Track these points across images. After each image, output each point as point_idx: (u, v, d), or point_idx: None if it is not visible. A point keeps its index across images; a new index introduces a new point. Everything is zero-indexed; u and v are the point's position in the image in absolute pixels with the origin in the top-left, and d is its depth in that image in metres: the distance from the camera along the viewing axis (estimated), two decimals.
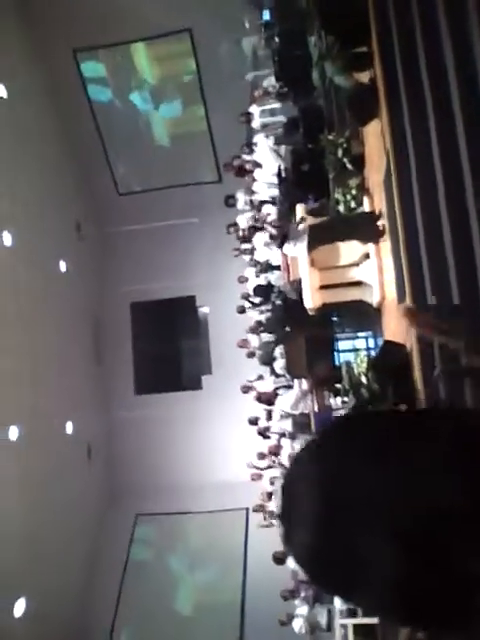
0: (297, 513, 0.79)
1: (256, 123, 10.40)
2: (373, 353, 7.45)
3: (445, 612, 0.74)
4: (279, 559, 8.88)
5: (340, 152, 7.16)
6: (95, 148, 14.20)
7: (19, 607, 10.37)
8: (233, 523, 12.81)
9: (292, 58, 8.78)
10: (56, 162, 13.41)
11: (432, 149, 5.25)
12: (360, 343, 9.15)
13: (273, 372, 10.14)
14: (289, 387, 9.46)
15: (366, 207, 7.03)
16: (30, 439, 10.78)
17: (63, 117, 13.62)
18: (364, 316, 7.62)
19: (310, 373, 8.11)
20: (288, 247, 7.40)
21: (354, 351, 8.65)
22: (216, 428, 13.15)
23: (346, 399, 6.81)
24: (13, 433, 10.70)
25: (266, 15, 10.55)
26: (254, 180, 10.59)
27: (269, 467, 10.00)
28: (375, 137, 6.48)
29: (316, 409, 8.33)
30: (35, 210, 12.02)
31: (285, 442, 9.44)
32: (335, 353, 9.12)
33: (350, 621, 7.15)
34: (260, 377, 10.65)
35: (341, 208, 7.10)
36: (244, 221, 10.85)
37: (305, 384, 8.68)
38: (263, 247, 10.21)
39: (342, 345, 9.70)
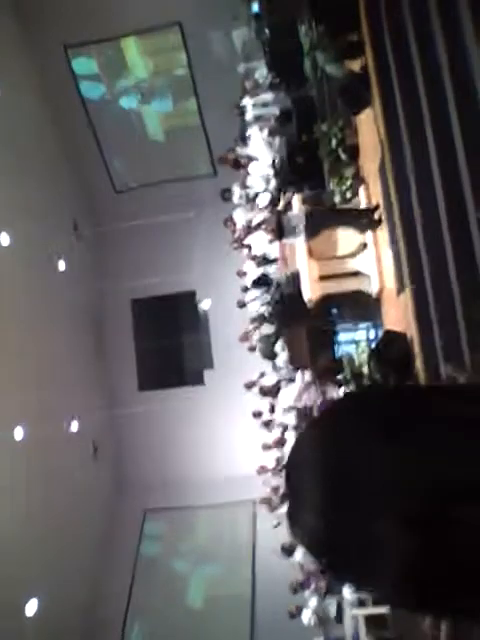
0: (302, 495, 0.76)
1: (249, 115, 10.34)
2: (374, 344, 7.44)
3: (458, 599, 0.72)
4: (287, 551, 8.91)
5: (334, 142, 7.13)
6: (89, 145, 14.15)
7: (31, 607, 10.43)
8: (240, 516, 12.86)
9: (283, 49, 8.71)
10: (51, 161, 13.37)
11: (426, 136, 5.23)
12: (360, 335, 9.11)
13: (275, 367, 10.13)
14: (291, 380, 9.46)
15: (362, 197, 7.01)
16: (35, 439, 10.80)
17: (56, 115, 13.56)
18: (363, 306, 7.60)
19: (312, 364, 8.10)
20: (286, 238, 7.36)
21: (354, 343, 8.63)
22: (220, 422, 13.17)
23: (348, 390, 6.81)
24: (18, 433, 10.72)
25: (255, 7, 10.47)
26: (248, 173, 10.54)
27: (277, 463, 10.01)
28: (369, 126, 6.45)
29: (319, 401, 8.33)
30: (32, 210, 11.98)
31: (289, 435, 9.45)
32: (335, 345, 9.09)
33: (361, 611, 7.14)
34: (262, 374, 10.66)
35: (337, 198, 7.07)
36: (240, 215, 10.81)
37: (307, 376, 8.67)
38: (261, 241, 10.18)
39: (342, 337, 9.68)
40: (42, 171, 12.77)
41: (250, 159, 10.19)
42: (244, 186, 10.49)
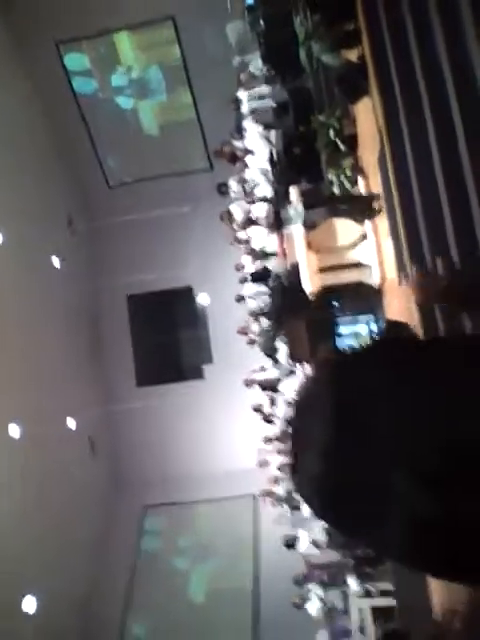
0: (308, 437, 0.70)
1: (245, 108, 10.28)
2: (376, 335, 7.40)
3: (464, 562, 0.67)
4: (289, 544, 8.90)
5: (332, 133, 7.08)
6: (83, 141, 14.09)
7: (30, 604, 10.39)
8: (241, 510, 12.86)
9: (278, 40, 8.65)
10: (44, 157, 13.29)
11: (426, 124, 5.18)
12: (361, 328, 9.07)
13: (275, 362, 10.11)
14: (292, 373, 9.43)
15: (361, 187, 6.97)
16: (33, 436, 10.76)
17: (49, 111, 13.49)
18: (364, 298, 7.57)
19: (313, 357, 8.07)
20: (285, 229, 7.32)
21: (355, 335, 8.59)
22: (220, 416, 13.16)
23: None
24: (15, 431, 10.68)
25: None
26: (246, 167, 10.49)
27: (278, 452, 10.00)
28: (367, 116, 6.40)
29: None
30: (25, 206, 11.91)
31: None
32: (336, 337, 9.06)
33: (367, 602, 7.13)
34: (262, 368, 10.63)
35: (335, 189, 7.03)
36: (238, 209, 10.76)
37: (308, 368, 8.65)
38: (259, 235, 10.13)
39: (343, 330, 9.64)
40: (35, 167, 12.69)
41: (246, 152, 10.14)
42: (241, 180, 10.44)
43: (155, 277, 13.68)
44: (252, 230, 10.16)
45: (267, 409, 10.36)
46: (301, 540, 8.62)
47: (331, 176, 7.14)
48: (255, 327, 10.24)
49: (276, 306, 9.31)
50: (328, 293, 7.52)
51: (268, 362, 10.35)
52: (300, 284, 7.44)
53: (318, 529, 8.09)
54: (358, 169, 7.03)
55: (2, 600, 9.50)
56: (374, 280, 6.87)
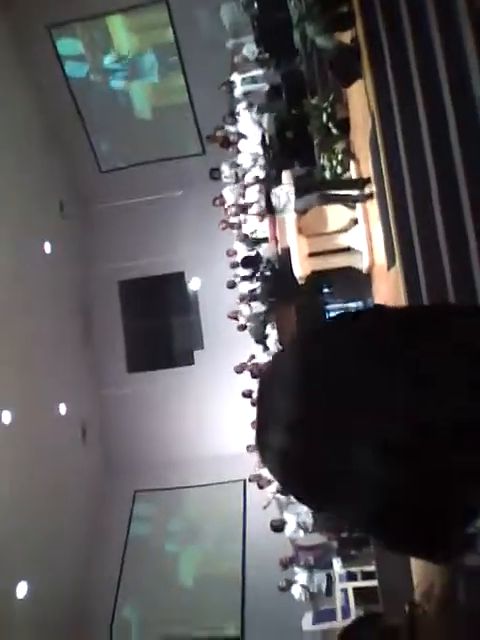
0: (274, 410, 0.68)
1: (238, 92, 10.21)
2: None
3: (427, 540, 0.66)
4: (277, 527, 8.94)
5: (324, 117, 7.04)
6: (75, 125, 13.95)
7: (21, 589, 10.43)
8: (230, 495, 12.91)
9: (272, 23, 8.57)
10: (36, 142, 13.16)
11: (417, 108, 5.16)
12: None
13: (266, 349, 10.09)
14: None
15: (352, 171, 6.94)
16: (23, 422, 10.75)
17: (41, 96, 13.34)
18: (354, 283, 7.56)
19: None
20: (276, 214, 7.28)
21: None
22: (210, 402, 13.17)
23: None
24: (6, 417, 10.66)
25: None
26: (239, 151, 10.42)
27: None
28: (359, 100, 6.36)
29: None
30: (17, 191, 11.82)
31: None
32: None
33: (350, 585, 7.20)
34: (252, 357, 10.62)
35: (327, 174, 7.00)
36: (230, 194, 10.70)
37: None
38: (250, 220, 10.09)
39: (333, 314, 9.64)
40: (27, 152, 12.57)
41: (239, 137, 10.07)
42: (233, 164, 10.38)
43: (147, 262, 13.62)
44: (244, 215, 10.11)
45: (256, 395, 10.36)
46: (288, 523, 8.67)
47: (323, 160, 7.10)
48: (246, 310, 10.21)
49: (266, 291, 9.29)
50: (318, 278, 7.51)
51: (258, 348, 10.35)
52: (291, 269, 7.42)
53: (304, 512, 8.13)
54: (350, 153, 7.00)
55: None
56: (364, 265, 6.86)
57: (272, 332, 9.72)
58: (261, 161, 9.64)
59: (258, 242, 10.09)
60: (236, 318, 10.59)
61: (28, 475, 10.46)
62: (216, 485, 13.10)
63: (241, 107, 10.21)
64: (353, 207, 6.69)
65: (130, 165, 14.32)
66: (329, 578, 8.19)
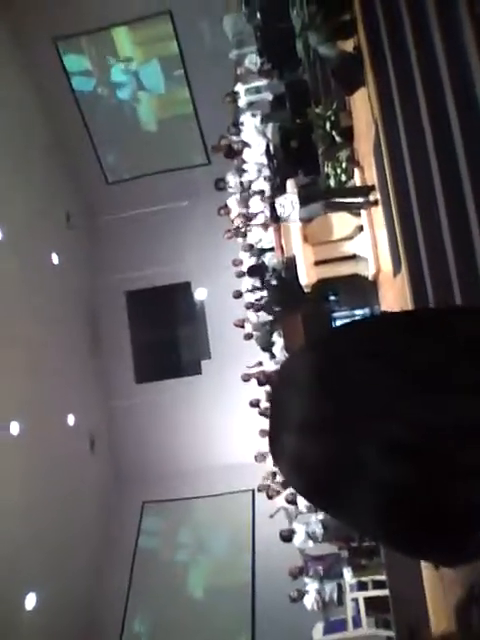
0: (286, 411, 0.69)
1: (242, 102, 10.26)
2: None
3: (432, 541, 0.66)
4: (286, 537, 8.89)
5: (328, 125, 7.05)
6: (81, 137, 14.07)
7: (30, 601, 10.40)
8: (239, 505, 12.84)
9: (275, 32, 8.62)
10: (43, 154, 13.27)
11: (421, 115, 5.16)
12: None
13: (272, 357, 10.08)
14: None
15: (357, 179, 6.94)
16: (32, 433, 10.75)
17: (48, 108, 13.47)
18: (360, 290, 7.55)
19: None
20: (281, 222, 7.29)
21: None
22: (218, 412, 13.14)
23: None
24: (14, 428, 10.66)
25: None
26: (244, 161, 10.46)
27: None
28: (363, 108, 6.38)
29: None
30: (24, 203, 11.91)
31: None
32: None
33: (361, 594, 7.13)
34: (259, 363, 10.60)
35: (332, 182, 7.00)
36: (235, 204, 10.74)
37: None
38: (256, 229, 10.11)
39: (339, 323, 9.63)
40: (34, 164, 12.68)
41: (244, 146, 10.11)
42: (238, 173, 10.42)
43: (153, 273, 13.67)
44: (249, 224, 10.13)
45: (264, 404, 10.34)
46: (297, 533, 8.62)
47: (328, 169, 7.11)
48: (253, 318, 10.21)
49: (273, 300, 9.29)
50: (324, 286, 7.50)
51: (265, 357, 10.34)
52: (297, 277, 7.42)
53: (314, 522, 8.08)
54: (354, 161, 7.00)
55: (3, 597, 9.49)
56: (370, 272, 6.85)
57: (279, 340, 9.71)
58: (265, 171, 9.67)
59: (264, 251, 10.11)
60: (242, 326, 10.59)
61: (36, 486, 10.45)
62: (224, 495, 13.05)
63: (245, 116, 10.26)
64: (358, 214, 6.69)
65: (136, 176, 14.41)
66: (340, 588, 8.13)
